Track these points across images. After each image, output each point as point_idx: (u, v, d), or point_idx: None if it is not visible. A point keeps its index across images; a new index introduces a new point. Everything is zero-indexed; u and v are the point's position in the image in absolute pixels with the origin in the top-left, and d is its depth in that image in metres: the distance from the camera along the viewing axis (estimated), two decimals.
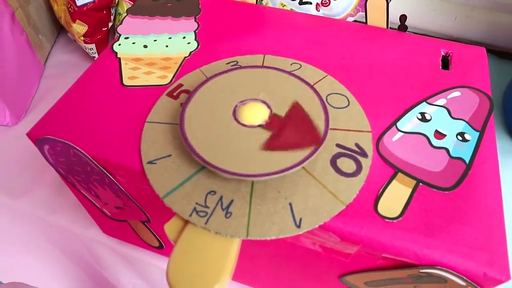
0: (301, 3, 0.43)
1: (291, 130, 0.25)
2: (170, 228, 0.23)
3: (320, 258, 0.26)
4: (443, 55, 0.32)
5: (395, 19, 0.36)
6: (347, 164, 0.24)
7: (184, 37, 0.34)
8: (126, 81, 0.30)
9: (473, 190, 0.24)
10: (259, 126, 0.25)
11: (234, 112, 0.26)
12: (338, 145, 0.25)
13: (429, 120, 0.27)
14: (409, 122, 0.27)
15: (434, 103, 0.28)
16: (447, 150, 0.25)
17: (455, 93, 0.29)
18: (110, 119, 0.28)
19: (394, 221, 0.22)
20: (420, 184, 0.24)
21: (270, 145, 0.24)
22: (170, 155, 0.25)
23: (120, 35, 0.34)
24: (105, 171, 0.26)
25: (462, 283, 0.21)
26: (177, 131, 0.26)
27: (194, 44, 0.33)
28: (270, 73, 0.28)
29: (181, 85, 0.30)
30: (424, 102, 0.28)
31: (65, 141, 0.26)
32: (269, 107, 0.26)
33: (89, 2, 0.50)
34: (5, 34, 0.46)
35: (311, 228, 0.22)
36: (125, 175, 0.26)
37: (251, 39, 0.34)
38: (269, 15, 0.37)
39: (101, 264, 0.44)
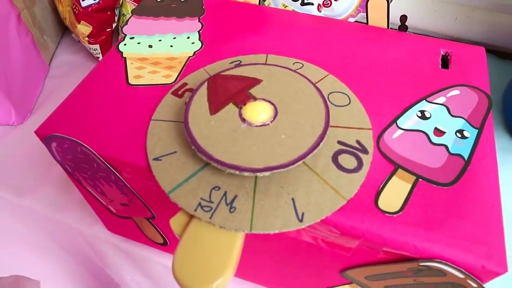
0: (303, 3, 0.43)
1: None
2: (176, 223, 0.23)
3: (322, 252, 0.26)
4: (442, 55, 0.33)
5: (395, 20, 0.37)
6: (348, 161, 0.25)
7: (188, 37, 0.35)
8: (132, 80, 0.31)
9: (472, 185, 0.24)
10: (262, 123, 0.25)
11: (237, 109, 0.26)
12: (339, 142, 0.26)
13: (428, 118, 0.28)
14: (409, 120, 0.28)
15: (433, 101, 0.29)
16: (446, 147, 0.26)
17: (455, 92, 0.29)
18: (116, 117, 0.28)
19: (394, 215, 0.23)
20: (420, 179, 0.24)
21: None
22: (175, 152, 0.26)
23: (125, 35, 0.35)
24: (111, 168, 0.27)
25: (461, 275, 0.21)
26: (182, 128, 0.26)
27: (198, 44, 0.34)
28: (272, 70, 0.29)
29: (185, 84, 0.30)
30: (424, 100, 0.29)
31: (72, 139, 0.27)
32: (272, 104, 0.26)
33: (93, 3, 0.50)
34: (11, 35, 0.46)
35: (313, 222, 0.22)
36: (131, 171, 0.27)
37: (254, 39, 0.34)
38: (271, 16, 0.37)
39: (104, 261, 0.44)
